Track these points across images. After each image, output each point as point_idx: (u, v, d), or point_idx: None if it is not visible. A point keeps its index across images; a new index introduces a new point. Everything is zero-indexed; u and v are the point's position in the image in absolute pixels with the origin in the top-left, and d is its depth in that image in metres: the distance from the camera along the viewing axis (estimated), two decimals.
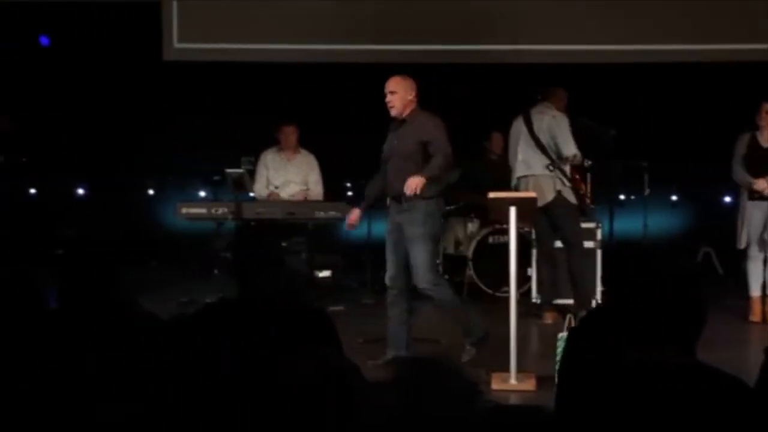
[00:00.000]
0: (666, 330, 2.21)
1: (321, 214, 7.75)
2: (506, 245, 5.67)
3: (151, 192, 11.91)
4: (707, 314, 2.26)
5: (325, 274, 8.80)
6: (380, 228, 6.99)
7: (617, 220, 8.40)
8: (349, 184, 10.21)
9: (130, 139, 10.84)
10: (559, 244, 7.56)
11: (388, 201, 5.95)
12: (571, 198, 7.35)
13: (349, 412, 1.76)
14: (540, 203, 6.55)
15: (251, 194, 8.27)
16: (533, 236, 7.93)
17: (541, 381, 5.13)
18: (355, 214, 6.10)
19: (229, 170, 7.59)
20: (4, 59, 10.01)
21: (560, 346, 4.76)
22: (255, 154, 8.26)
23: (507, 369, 5.19)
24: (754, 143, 7.47)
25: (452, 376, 1.70)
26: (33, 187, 11.53)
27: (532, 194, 6.12)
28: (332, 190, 8.65)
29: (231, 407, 2.05)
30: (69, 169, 11.18)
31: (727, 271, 9.94)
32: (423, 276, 5.58)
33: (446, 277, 9.06)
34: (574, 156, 7.30)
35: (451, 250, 9.13)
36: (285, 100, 9.91)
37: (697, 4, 9.21)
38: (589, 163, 7.69)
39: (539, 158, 7.33)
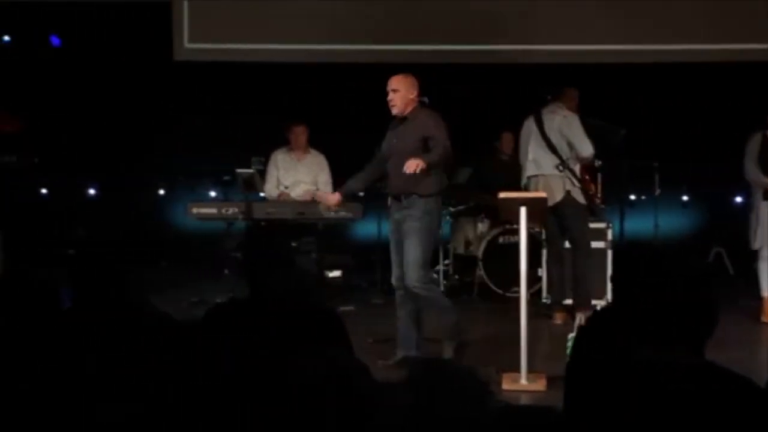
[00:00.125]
0: (677, 330, 2.20)
1: (331, 214, 7.75)
2: (516, 245, 5.66)
3: (161, 192, 11.93)
4: (718, 314, 2.25)
5: (335, 274, 8.81)
6: None
7: (628, 221, 8.38)
8: None
9: (140, 139, 10.86)
10: (569, 244, 7.55)
11: (389, 201, 5.96)
12: (580, 198, 7.35)
13: (356, 413, 1.76)
14: (549, 203, 6.54)
15: (261, 194, 8.28)
16: (543, 236, 7.92)
17: (552, 381, 5.12)
18: (333, 196, 6.18)
19: (239, 170, 7.61)
20: (16, 60, 10.05)
21: (570, 346, 4.76)
22: (265, 154, 8.27)
23: (517, 369, 5.18)
24: (766, 142, 7.44)
25: (463, 377, 1.70)
26: (44, 187, 11.57)
27: (542, 194, 6.11)
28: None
29: (239, 407, 2.05)
30: (80, 170, 11.21)
31: (739, 272, 9.89)
32: (412, 273, 5.56)
33: (456, 276, 9.11)
34: (593, 155, 7.31)
35: (461, 250, 9.12)
36: (295, 100, 9.92)
37: (698, 4, 9.22)
38: (600, 163, 7.68)
39: (549, 158, 7.32)
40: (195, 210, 7.84)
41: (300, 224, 7.79)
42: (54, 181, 11.30)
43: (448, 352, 5.67)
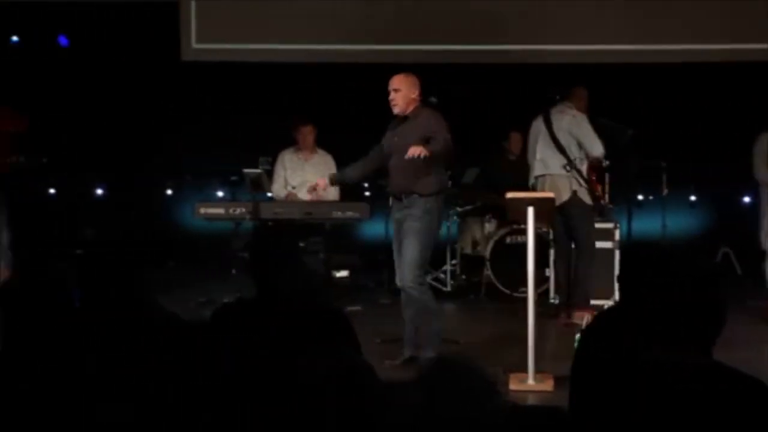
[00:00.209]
0: (685, 330, 2.20)
1: (338, 215, 7.76)
2: (524, 245, 5.65)
3: (169, 192, 11.94)
4: (726, 315, 2.25)
5: (343, 274, 8.80)
6: None
7: (635, 221, 8.37)
8: (366, 185, 10.21)
9: (148, 139, 10.87)
10: (573, 244, 7.54)
11: (391, 201, 5.95)
12: (587, 199, 7.35)
13: (364, 412, 1.76)
14: (556, 203, 6.54)
15: (269, 194, 8.29)
16: (551, 236, 7.91)
17: (559, 381, 5.11)
18: (321, 179, 6.30)
19: (246, 170, 7.61)
20: (24, 60, 10.07)
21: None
22: (273, 155, 8.27)
23: (525, 369, 5.18)
24: None
25: (471, 377, 1.70)
26: (52, 187, 11.59)
27: (550, 194, 6.10)
28: (349, 190, 8.64)
29: (246, 406, 2.05)
30: (88, 170, 11.23)
31: (747, 272, 9.87)
32: (408, 272, 5.54)
33: (463, 276, 9.10)
34: (603, 155, 7.31)
35: (468, 250, 9.12)
36: (303, 100, 9.92)
37: (699, 4, 9.22)
38: (607, 163, 7.67)
39: (557, 158, 7.32)
40: (202, 210, 7.84)
41: (307, 224, 7.79)
42: (62, 181, 11.32)
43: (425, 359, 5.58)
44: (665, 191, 8.70)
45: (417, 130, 5.63)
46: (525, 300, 5.44)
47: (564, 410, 2.19)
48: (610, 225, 8.00)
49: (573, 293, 7.38)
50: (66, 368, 2.53)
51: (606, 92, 8.37)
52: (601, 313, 2.93)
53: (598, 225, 7.69)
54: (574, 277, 7.39)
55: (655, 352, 2.11)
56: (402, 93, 5.70)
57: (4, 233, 8.04)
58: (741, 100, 9.43)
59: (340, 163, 8.40)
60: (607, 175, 7.88)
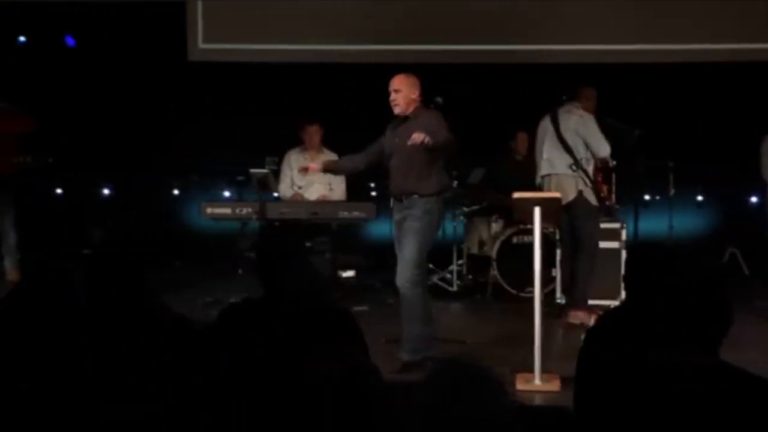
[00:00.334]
0: (691, 330, 2.20)
1: (345, 214, 7.77)
2: (530, 245, 5.66)
3: (176, 192, 11.97)
4: (733, 315, 2.25)
5: (349, 274, 8.80)
6: None
7: (642, 221, 8.35)
8: (372, 185, 10.22)
9: (155, 139, 10.90)
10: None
11: (392, 202, 5.95)
12: (592, 199, 7.34)
13: (369, 412, 1.76)
14: (562, 202, 6.54)
15: (275, 194, 8.29)
16: (557, 237, 7.91)
17: (566, 382, 5.10)
18: (312, 165, 6.43)
19: (253, 170, 7.62)
20: (31, 60, 10.09)
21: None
22: (279, 154, 8.27)
23: (531, 370, 5.17)
24: None
25: (478, 377, 1.71)
26: (59, 187, 11.62)
27: (556, 195, 6.09)
28: (356, 190, 8.65)
29: (252, 406, 2.06)
30: (95, 170, 11.26)
31: (754, 272, 9.87)
32: (406, 270, 5.50)
33: (470, 276, 9.10)
34: (609, 155, 7.30)
35: (475, 250, 9.12)
36: (309, 100, 9.93)
37: (706, 4, 9.22)
38: (614, 163, 7.66)
39: (563, 158, 7.32)
40: (209, 210, 7.85)
41: (314, 224, 7.80)
42: (69, 181, 11.35)
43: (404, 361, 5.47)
44: (672, 191, 8.69)
45: (418, 130, 5.63)
46: (531, 300, 5.44)
47: (570, 410, 2.19)
48: (616, 225, 7.98)
49: (570, 292, 7.37)
50: (73, 368, 2.54)
51: (612, 92, 8.35)
52: (607, 313, 2.93)
53: (604, 225, 7.68)
54: (572, 276, 7.38)
55: (661, 352, 2.10)
56: (403, 93, 5.71)
57: (11, 234, 8.08)
58: (748, 100, 9.42)
59: None
60: (614, 176, 7.87)
